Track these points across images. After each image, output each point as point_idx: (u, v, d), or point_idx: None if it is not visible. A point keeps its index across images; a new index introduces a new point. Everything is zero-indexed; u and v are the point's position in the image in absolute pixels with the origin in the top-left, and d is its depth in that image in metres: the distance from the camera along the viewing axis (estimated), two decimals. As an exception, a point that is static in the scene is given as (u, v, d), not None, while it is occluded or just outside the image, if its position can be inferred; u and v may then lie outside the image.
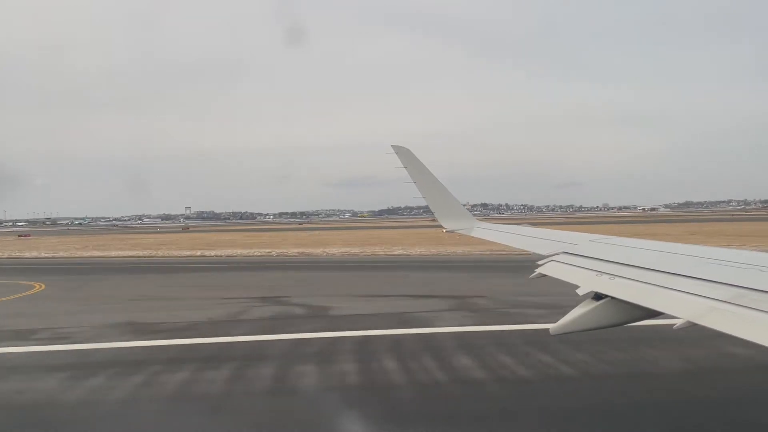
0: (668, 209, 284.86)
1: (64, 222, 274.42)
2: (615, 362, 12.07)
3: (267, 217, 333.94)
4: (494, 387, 10.69)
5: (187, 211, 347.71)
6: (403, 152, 12.80)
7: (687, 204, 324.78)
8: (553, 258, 7.51)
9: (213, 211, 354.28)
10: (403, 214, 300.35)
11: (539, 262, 7.62)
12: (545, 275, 7.12)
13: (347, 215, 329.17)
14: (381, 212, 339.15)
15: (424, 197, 12.93)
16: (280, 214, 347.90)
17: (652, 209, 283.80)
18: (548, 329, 5.56)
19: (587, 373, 11.39)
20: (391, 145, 12.84)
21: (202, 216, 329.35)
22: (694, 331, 4.17)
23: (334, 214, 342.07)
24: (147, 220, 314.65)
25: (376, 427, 8.87)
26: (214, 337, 15.30)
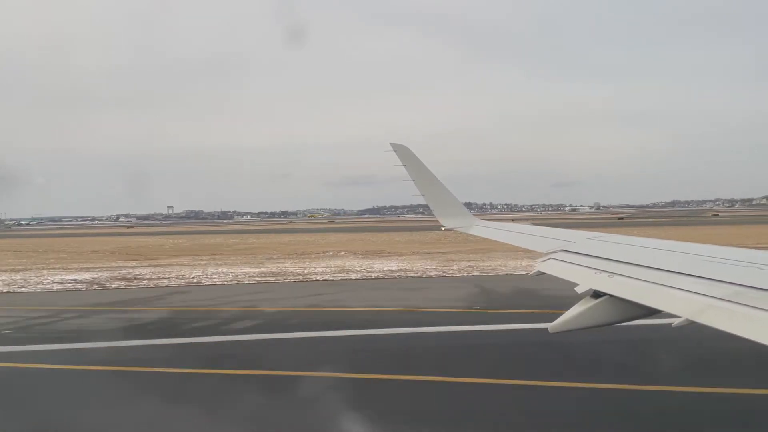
0: (591, 209, 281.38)
1: (10, 222, 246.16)
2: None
3: (245, 216, 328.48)
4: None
5: (169, 210, 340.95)
6: (401, 150, 12.84)
7: (674, 203, 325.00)
8: (552, 256, 7.53)
9: (202, 210, 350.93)
10: (385, 214, 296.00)
11: (538, 260, 7.65)
12: (543, 273, 7.14)
13: (326, 214, 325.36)
14: (362, 212, 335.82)
15: (422, 195, 12.99)
16: (259, 214, 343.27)
17: (573, 210, 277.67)
18: (546, 328, 5.58)
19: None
20: (390, 143, 12.88)
21: (190, 215, 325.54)
22: (693, 330, 4.18)
23: (315, 213, 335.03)
24: (123, 219, 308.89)
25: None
26: None
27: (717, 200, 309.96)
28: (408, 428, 8.80)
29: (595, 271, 6.05)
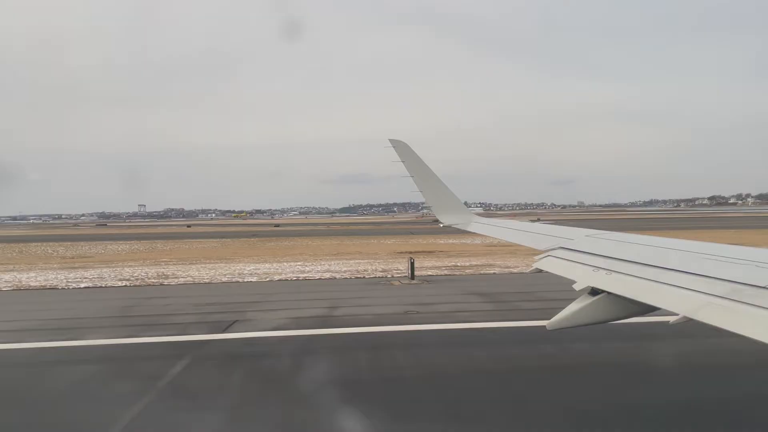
0: (481, 209, 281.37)
1: None
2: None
3: (210, 216, 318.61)
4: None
5: (141, 209, 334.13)
6: (400, 146, 12.82)
7: (652, 202, 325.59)
8: (550, 253, 7.52)
9: (183, 208, 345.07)
10: (355, 213, 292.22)
11: (536, 257, 7.64)
12: (542, 270, 7.14)
13: (294, 213, 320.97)
14: (336, 210, 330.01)
15: (420, 191, 12.98)
16: (225, 212, 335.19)
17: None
18: (545, 326, 5.58)
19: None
20: (389, 139, 12.85)
21: (169, 213, 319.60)
22: (690, 327, 4.18)
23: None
24: (83, 218, 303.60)
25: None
26: None
27: (695, 199, 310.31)
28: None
29: (593, 268, 6.05)
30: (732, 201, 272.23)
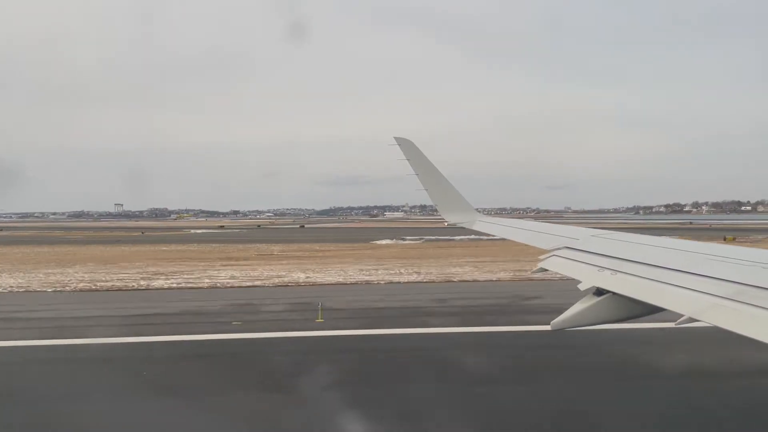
0: (405, 213, 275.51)
1: None
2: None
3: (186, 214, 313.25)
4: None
5: (117, 208, 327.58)
6: (405, 144, 12.75)
7: (635, 208, 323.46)
8: (555, 253, 7.49)
9: (166, 208, 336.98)
10: (338, 214, 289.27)
11: (541, 257, 7.62)
12: (547, 270, 7.13)
13: (269, 214, 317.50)
14: (318, 212, 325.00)
15: (426, 189, 12.91)
16: (200, 212, 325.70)
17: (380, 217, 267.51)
18: (548, 327, 5.57)
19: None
20: (394, 137, 12.78)
21: (153, 213, 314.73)
22: (695, 328, 4.17)
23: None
24: (53, 216, 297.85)
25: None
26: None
27: (652, 206, 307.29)
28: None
29: (598, 268, 6.02)
30: (687, 209, 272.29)
